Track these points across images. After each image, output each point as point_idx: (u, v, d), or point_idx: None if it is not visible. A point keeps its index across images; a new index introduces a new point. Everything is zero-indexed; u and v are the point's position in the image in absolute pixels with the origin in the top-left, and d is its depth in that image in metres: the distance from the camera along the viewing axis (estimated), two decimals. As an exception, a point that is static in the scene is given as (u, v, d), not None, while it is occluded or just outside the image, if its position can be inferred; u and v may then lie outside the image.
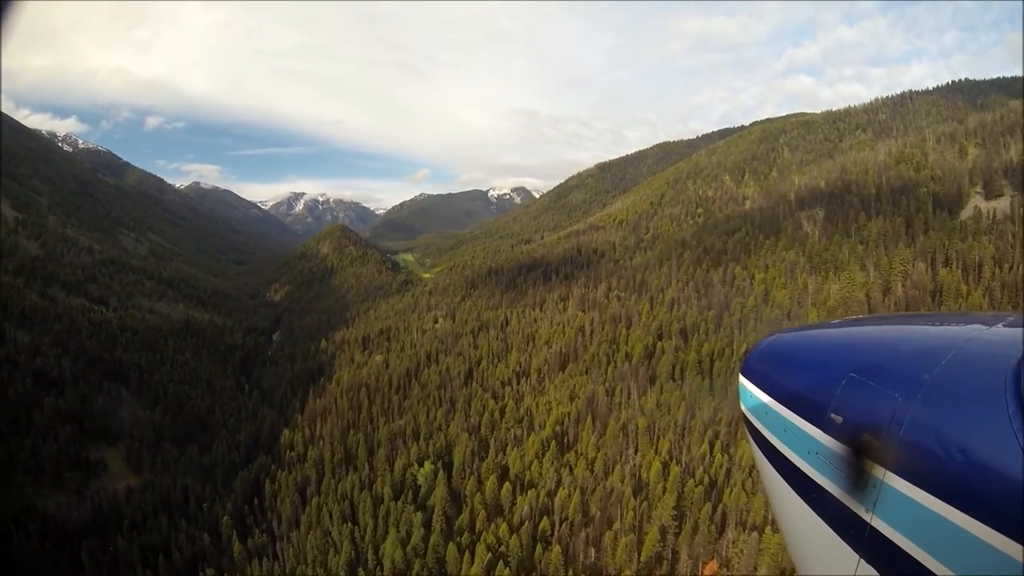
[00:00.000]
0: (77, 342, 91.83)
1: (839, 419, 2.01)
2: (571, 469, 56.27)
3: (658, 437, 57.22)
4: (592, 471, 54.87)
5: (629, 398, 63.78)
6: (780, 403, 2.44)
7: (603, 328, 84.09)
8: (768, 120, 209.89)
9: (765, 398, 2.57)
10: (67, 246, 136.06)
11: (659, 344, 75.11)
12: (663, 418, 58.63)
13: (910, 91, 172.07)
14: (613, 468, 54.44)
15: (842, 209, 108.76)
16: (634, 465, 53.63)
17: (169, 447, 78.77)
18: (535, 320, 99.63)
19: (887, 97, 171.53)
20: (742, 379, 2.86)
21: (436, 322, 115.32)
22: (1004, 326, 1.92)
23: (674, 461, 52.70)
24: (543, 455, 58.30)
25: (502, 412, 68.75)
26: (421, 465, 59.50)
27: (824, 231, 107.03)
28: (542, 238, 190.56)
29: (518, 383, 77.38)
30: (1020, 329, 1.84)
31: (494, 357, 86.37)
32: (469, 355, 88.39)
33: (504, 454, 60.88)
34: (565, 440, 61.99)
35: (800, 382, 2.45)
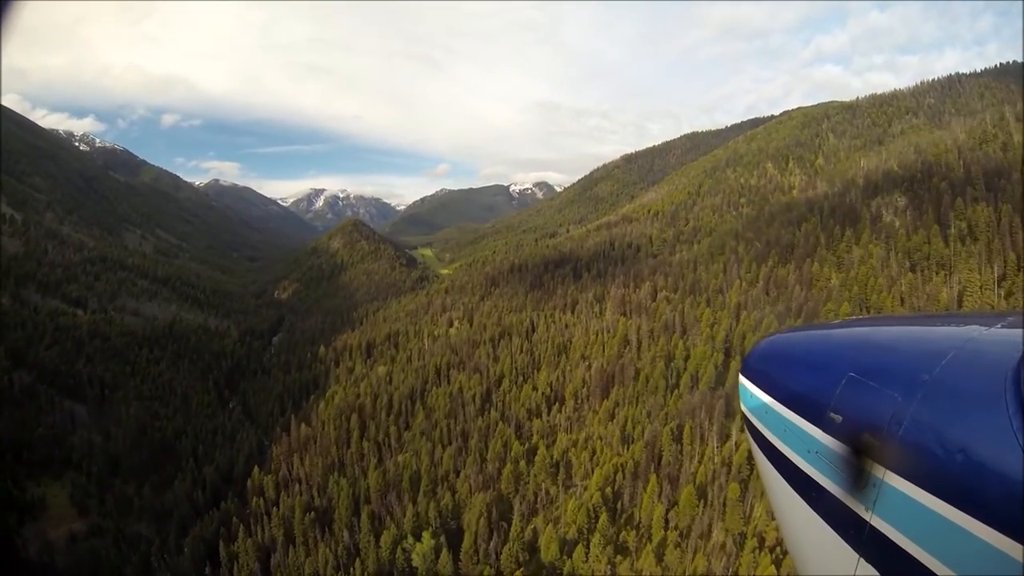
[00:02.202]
0: (34, 352, 79.24)
1: (839, 419, 2.00)
2: (632, 556, 39.04)
3: (752, 507, 39.83)
4: (662, 562, 37.66)
5: (704, 444, 46.30)
6: (780, 403, 2.41)
7: (654, 339, 66.77)
8: (799, 108, 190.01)
9: (765, 398, 2.53)
10: (53, 243, 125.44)
11: (733, 364, 57.41)
12: (759, 479, 41.15)
13: (956, 74, 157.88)
14: (694, 558, 37.22)
15: (930, 195, 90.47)
16: (728, 559, 36.18)
17: (123, 482, 65.28)
18: (567, 326, 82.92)
19: (933, 80, 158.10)
20: (742, 379, 2.80)
21: (451, 326, 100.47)
22: (1004, 326, 1.90)
23: (789, 556, 35.25)
24: (589, 531, 41.36)
25: (530, 457, 51.90)
26: (418, 538, 43.45)
27: (913, 221, 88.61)
28: (568, 231, 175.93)
29: (549, 412, 60.47)
30: (1020, 329, 1.83)
31: (518, 375, 69.81)
32: (487, 371, 72.14)
33: (532, 523, 44.28)
34: (619, 505, 44.90)
35: (800, 382, 2.42)
